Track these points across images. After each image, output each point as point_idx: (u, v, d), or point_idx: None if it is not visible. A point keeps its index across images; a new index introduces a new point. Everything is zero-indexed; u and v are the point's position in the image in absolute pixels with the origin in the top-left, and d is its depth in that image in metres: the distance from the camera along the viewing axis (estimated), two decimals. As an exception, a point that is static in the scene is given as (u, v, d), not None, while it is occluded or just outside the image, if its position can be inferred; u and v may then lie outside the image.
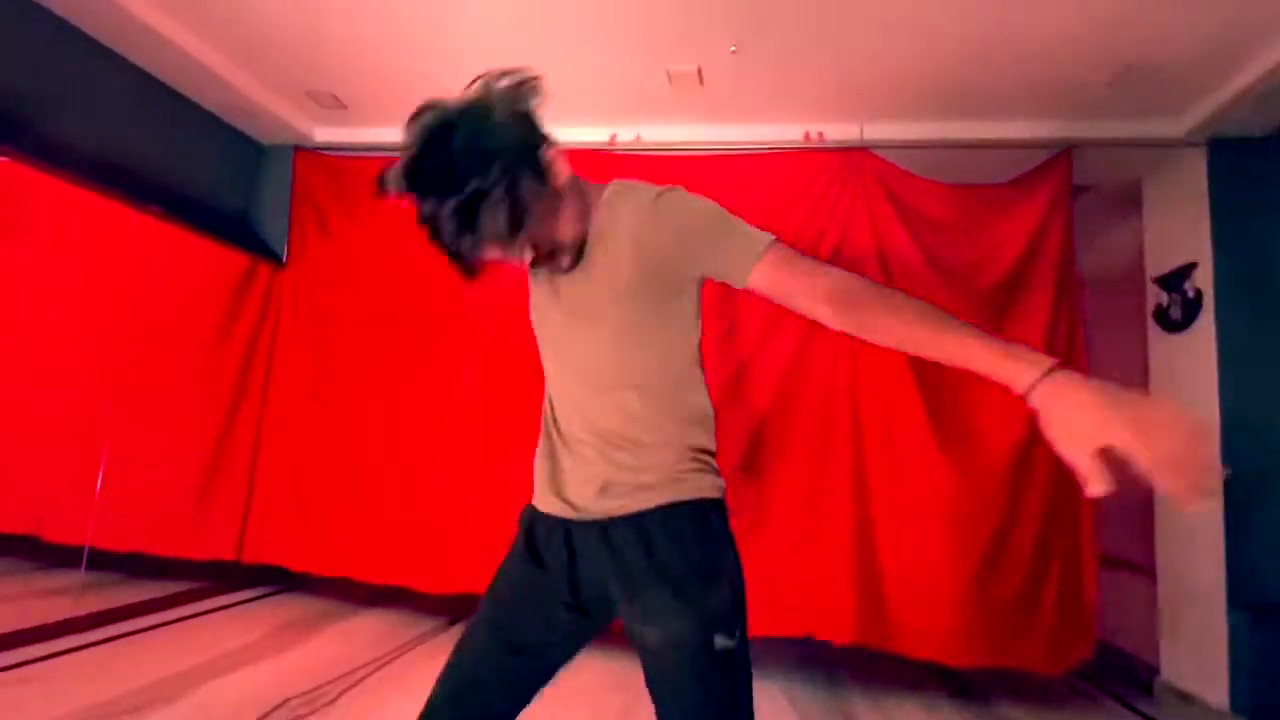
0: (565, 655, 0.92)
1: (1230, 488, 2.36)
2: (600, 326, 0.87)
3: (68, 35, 2.41)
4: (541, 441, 0.97)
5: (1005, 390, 0.64)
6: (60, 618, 2.30)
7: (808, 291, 0.77)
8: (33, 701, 1.74)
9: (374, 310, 2.98)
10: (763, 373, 2.61)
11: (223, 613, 2.68)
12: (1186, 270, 2.58)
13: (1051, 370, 0.62)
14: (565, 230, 0.84)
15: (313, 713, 1.81)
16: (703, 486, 0.87)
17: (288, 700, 1.87)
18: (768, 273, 0.79)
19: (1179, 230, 2.66)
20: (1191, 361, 2.56)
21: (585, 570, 0.88)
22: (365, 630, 2.57)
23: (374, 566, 2.80)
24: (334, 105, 3.02)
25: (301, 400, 3.01)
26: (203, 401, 2.96)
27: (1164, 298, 2.71)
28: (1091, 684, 2.61)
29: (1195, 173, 2.58)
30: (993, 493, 2.37)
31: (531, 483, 0.99)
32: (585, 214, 0.86)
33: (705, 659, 0.79)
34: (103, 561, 2.62)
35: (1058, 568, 2.38)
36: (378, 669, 2.16)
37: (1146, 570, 2.77)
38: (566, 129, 3.01)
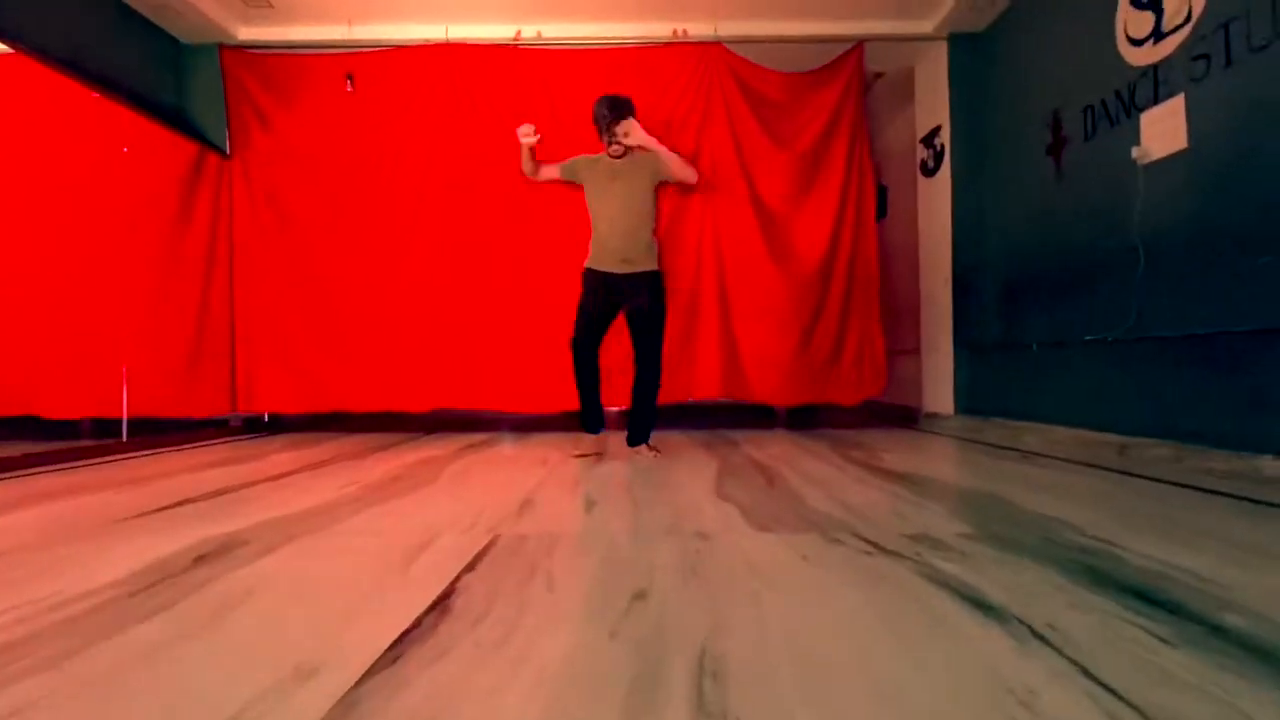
0: (613, 317, 2.53)
1: (955, 275, 3.61)
2: (631, 188, 2.52)
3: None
4: (594, 247, 2.56)
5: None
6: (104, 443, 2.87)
7: (680, 174, 2.59)
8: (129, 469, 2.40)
9: (325, 186, 3.53)
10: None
11: (241, 441, 3.31)
12: (935, 131, 3.71)
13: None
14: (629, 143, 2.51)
15: (356, 463, 2.59)
16: (658, 264, 2.54)
17: (336, 457, 2.64)
18: (675, 171, 2.57)
19: (933, 103, 3.77)
20: (939, 196, 3.73)
21: (620, 288, 2.48)
22: (367, 439, 3.32)
23: (359, 397, 3.52)
24: (262, 4, 3.38)
25: (268, 269, 3.55)
26: (178, 278, 3.42)
27: (925, 153, 3.86)
28: (882, 420, 3.92)
29: (941, 59, 3.65)
30: (807, 291, 3.48)
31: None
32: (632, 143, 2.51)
33: (656, 307, 2.48)
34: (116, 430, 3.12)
35: (854, 339, 3.57)
36: (389, 448, 2.95)
37: (918, 350, 4.07)
38: (477, 26, 3.59)
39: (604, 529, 1.34)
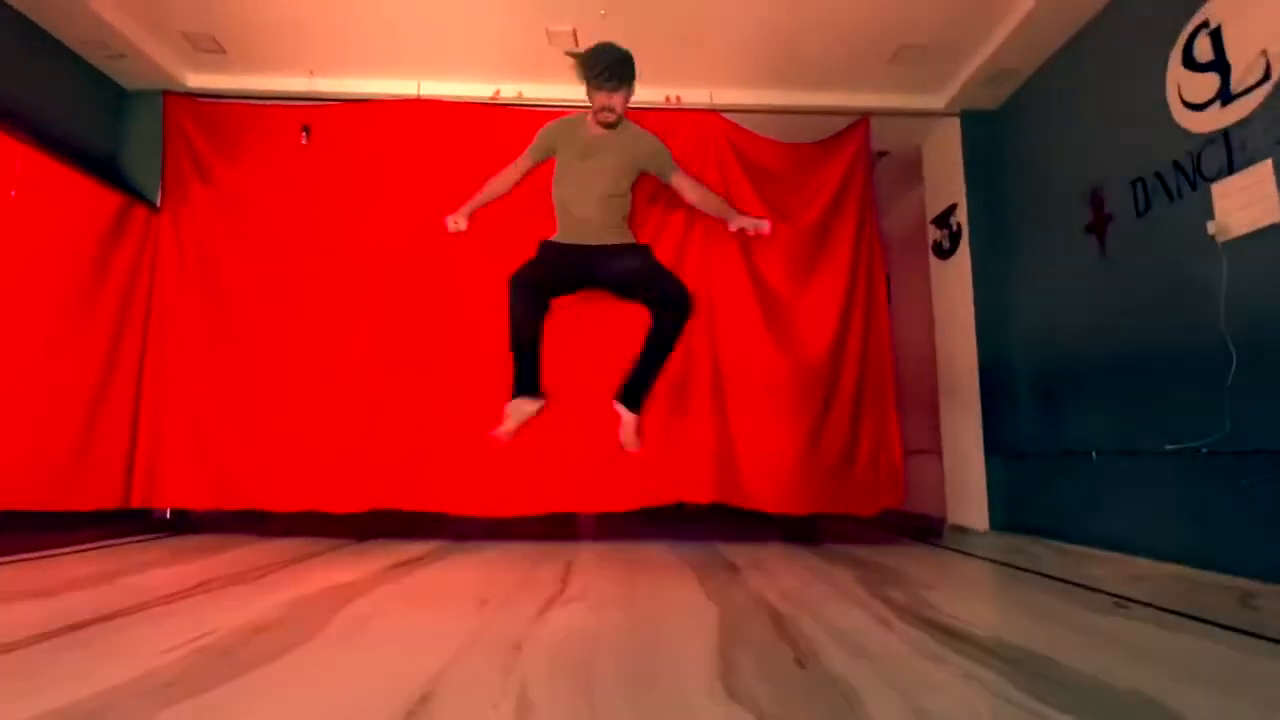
0: (569, 289, 2.26)
1: (982, 369, 3.17)
2: (615, 165, 2.18)
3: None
4: (563, 220, 2.28)
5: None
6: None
7: (691, 191, 2.39)
8: None
9: (263, 248, 3.07)
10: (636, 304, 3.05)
11: (119, 546, 2.66)
12: (950, 210, 3.40)
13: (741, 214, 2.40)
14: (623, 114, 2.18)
15: (229, 593, 1.97)
16: (631, 238, 2.36)
17: (212, 580, 2.01)
18: (679, 179, 2.34)
19: (945, 181, 3.48)
20: (957, 279, 3.37)
21: (587, 261, 2.17)
22: (281, 547, 2.67)
23: (282, 495, 2.90)
24: (213, 49, 3.06)
25: (188, 340, 3.03)
26: (77, 346, 2.86)
27: (938, 234, 3.53)
28: (900, 535, 3.35)
29: (953, 136, 3.39)
30: (815, 381, 3.00)
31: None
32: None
33: (650, 264, 2.31)
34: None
35: (867, 437, 3.06)
36: (298, 563, 2.32)
37: (937, 451, 3.57)
38: (454, 84, 3.30)
39: (532, 794, 0.75)
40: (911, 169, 3.89)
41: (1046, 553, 2.59)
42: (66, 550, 2.57)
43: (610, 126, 2.08)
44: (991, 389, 3.14)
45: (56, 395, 2.79)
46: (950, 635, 1.44)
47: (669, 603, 1.77)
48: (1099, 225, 2.58)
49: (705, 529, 3.24)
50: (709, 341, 3.03)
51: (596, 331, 2.92)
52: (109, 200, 2.97)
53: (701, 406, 2.96)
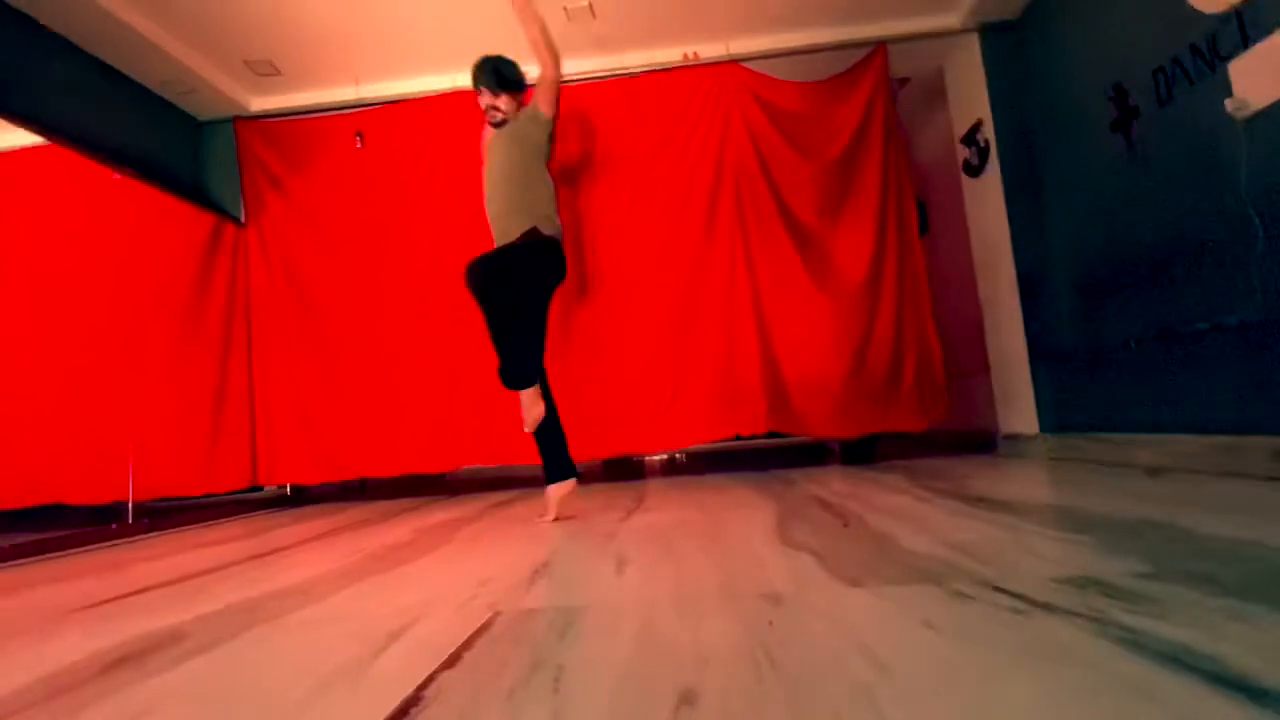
0: None
1: (1020, 277, 3.23)
2: (507, 156, 2.26)
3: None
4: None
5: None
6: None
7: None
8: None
9: (338, 246, 3.42)
10: (678, 255, 3.25)
11: (258, 515, 3.10)
12: (976, 126, 3.43)
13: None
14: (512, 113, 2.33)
15: (364, 530, 2.33)
16: (547, 229, 2.22)
17: (346, 526, 2.38)
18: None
19: (970, 99, 3.50)
20: (989, 194, 3.41)
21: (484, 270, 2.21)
22: (389, 505, 3.06)
23: (380, 463, 3.29)
24: (270, 72, 3.38)
25: (285, 337, 3.42)
26: (197, 352, 3.30)
27: (967, 152, 3.56)
28: (953, 449, 3.48)
29: (974, 52, 3.40)
30: (855, 310, 3.15)
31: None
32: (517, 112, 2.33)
33: (502, 285, 2.23)
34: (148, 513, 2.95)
35: (910, 358, 3.20)
36: (408, 512, 2.68)
37: (985, 369, 3.66)
38: (484, 72, 3.51)
39: (637, 596, 1.01)
40: (936, 92, 3.90)
41: (1095, 445, 2.70)
42: (211, 523, 3.02)
43: (500, 125, 2.33)
44: (1030, 297, 3.20)
45: (186, 397, 3.24)
46: (983, 502, 1.64)
47: (731, 504, 2.02)
48: (1124, 121, 2.60)
49: (765, 461, 3.46)
50: (750, 283, 3.21)
51: (637, 285, 3.18)
52: (204, 221, 3.37)
53: (748, 343, 3.16)
